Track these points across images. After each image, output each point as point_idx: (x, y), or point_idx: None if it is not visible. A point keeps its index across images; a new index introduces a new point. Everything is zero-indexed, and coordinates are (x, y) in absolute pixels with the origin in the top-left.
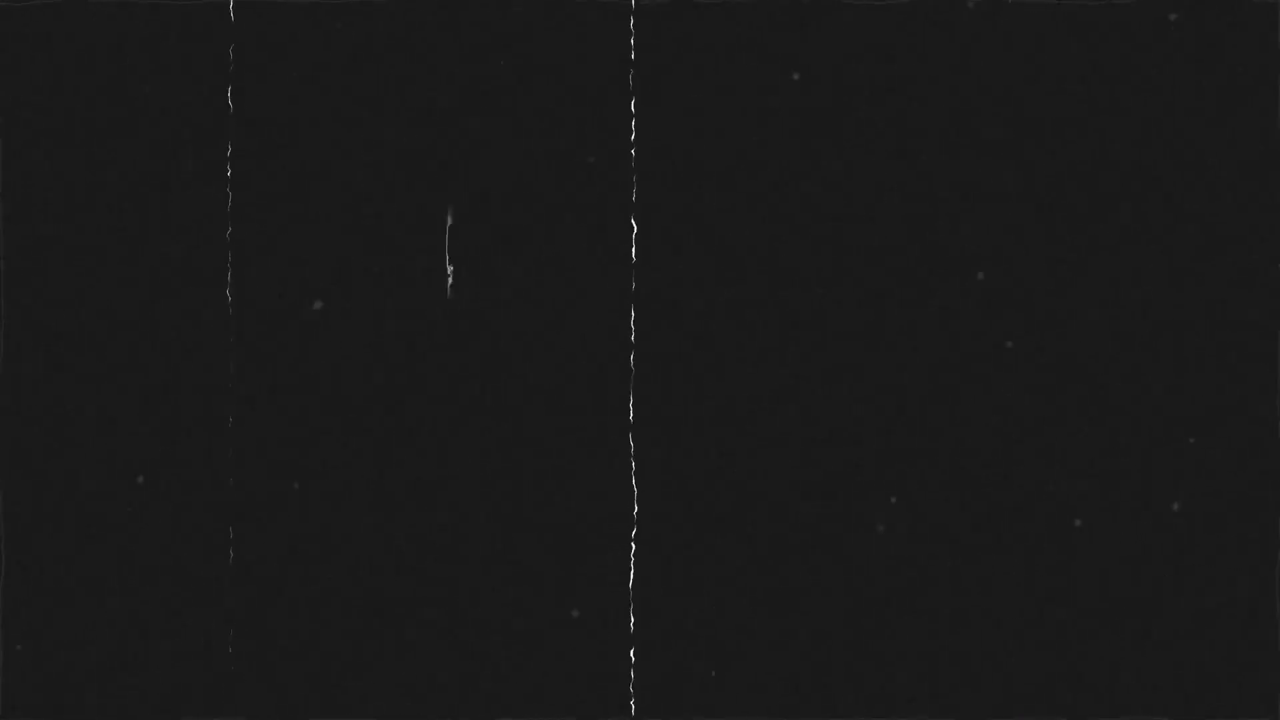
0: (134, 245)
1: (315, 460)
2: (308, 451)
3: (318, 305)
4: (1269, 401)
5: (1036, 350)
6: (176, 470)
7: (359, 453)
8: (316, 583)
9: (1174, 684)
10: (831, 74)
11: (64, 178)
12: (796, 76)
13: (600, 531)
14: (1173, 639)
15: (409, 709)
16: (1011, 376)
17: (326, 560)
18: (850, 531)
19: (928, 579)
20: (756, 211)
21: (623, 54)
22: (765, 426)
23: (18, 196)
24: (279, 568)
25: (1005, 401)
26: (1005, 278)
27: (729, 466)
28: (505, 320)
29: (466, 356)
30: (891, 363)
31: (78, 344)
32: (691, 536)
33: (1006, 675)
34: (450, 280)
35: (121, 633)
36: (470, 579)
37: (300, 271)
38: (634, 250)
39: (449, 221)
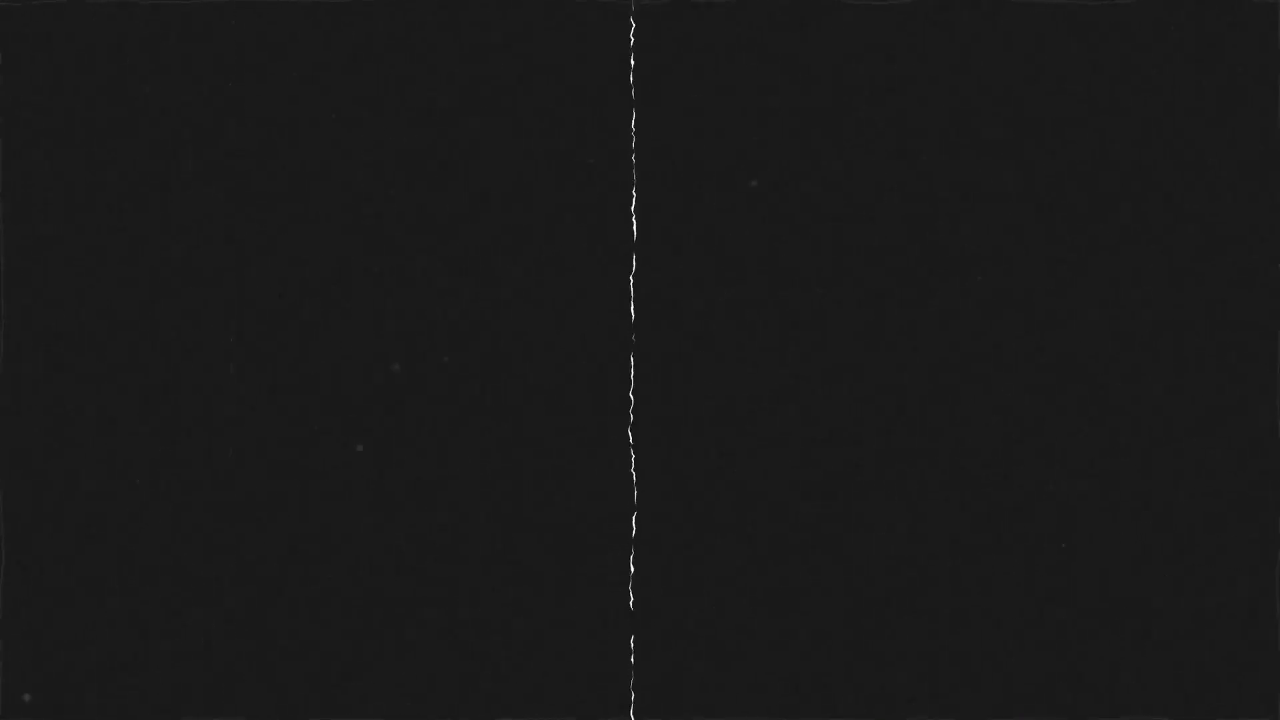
0: (134, 245)
1: (315, 460)
2: (308, 451)
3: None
4: (1269, 401)
5: (1036, 350)
6: (176, 470)
7: (359, 452)
8: (316, 583)
9: (1174, 684)
10: (831, 74)
11: (64, 178)
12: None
13: (600, 531)
14: (1173, 639)
15: (409, 709)
16: (1011, 376)
17: (326, 560)
18: (850, 531)
19: (928, 579)
20: (756, 211)
21: (623, 54)
22: (765, 426)
23: (18, 196)
24: (279, 568)
25: (1005, 401)
26: (1005, 278)
27: (729, 466)
28: (505, 320)
29: (466, 356)
30: (891, 363)
31: (78, 344)
32: (691, 536)
33: (1006, 675)
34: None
35: (121, 633)
36: (470, 579)
37: (300, 271)
38: (634, 250)
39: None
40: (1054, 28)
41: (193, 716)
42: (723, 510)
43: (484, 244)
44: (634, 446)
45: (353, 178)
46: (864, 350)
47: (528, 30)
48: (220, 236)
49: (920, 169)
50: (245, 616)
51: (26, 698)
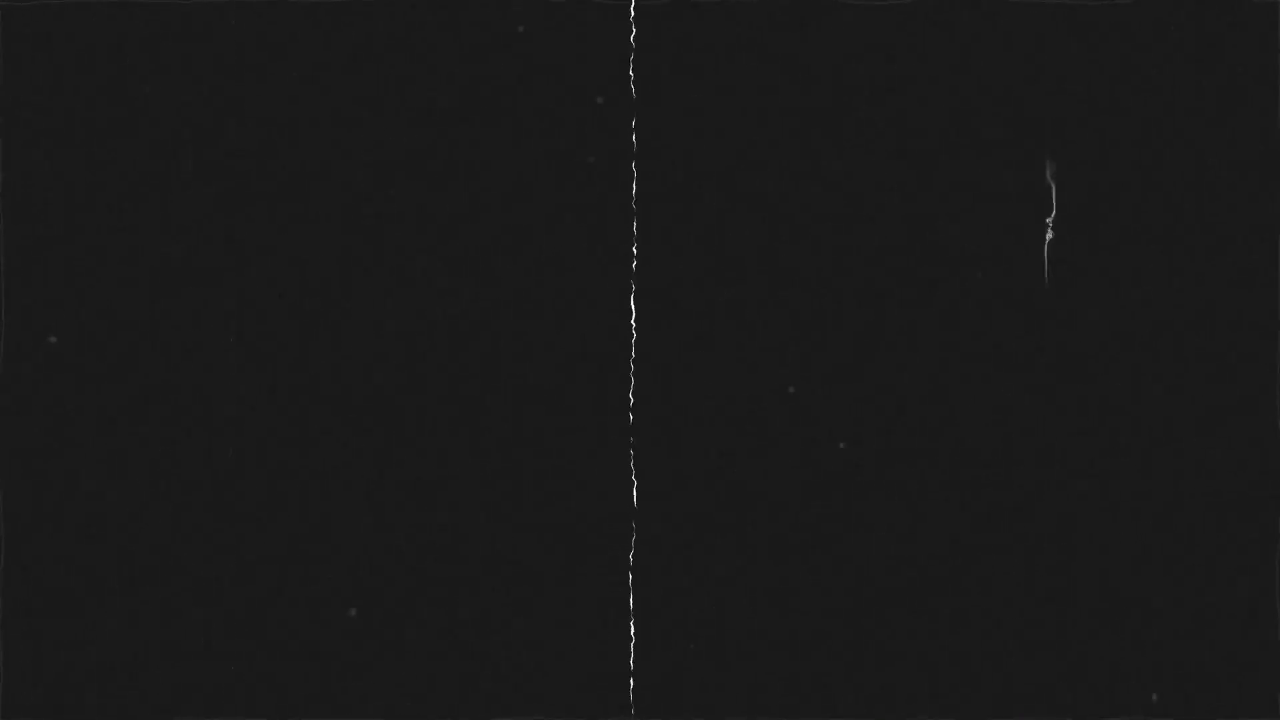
0: (134, 245)
1: (315, 460)
2: (308, 451)
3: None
4: (1269, 401)
5: (1036, 350)
6: (177, 470)
7: (359, 452)
8: (316, 583)
9: (1174, 684)
10: (831, 74)
11: (64, 178)
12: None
13: (600, 531)
14: (1173, 639)
15: (409, 709)
16: (1011, 376)
17: (326, 560)
18: (850, 531)
19: (928, 579)
20: (756, 211)
21: (623, 54)
22: (765, 426)
23: (18, 196)
24: (279, 568)
25: (1005, 401)
26: (1005, 278)
27: (729, 466)
28: (505, 320)
29: (466, 356)
30: (891, 362)
31: (78, 344)
32: (691, 536)
33: (1006, 675)
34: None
35: (121, 633)
36: (470, 579)
37: (300, 271)
38: (634, 250)
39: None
40: (1054, 28)
41: (193, 716)
42: (722, 510)
43: (484, 244)
44: (634, 446)
45: (353, 178)
46: (864, 350)
47: (528, 30)
48: (220, 236)
49: (920, 169)
50: (245, 616)
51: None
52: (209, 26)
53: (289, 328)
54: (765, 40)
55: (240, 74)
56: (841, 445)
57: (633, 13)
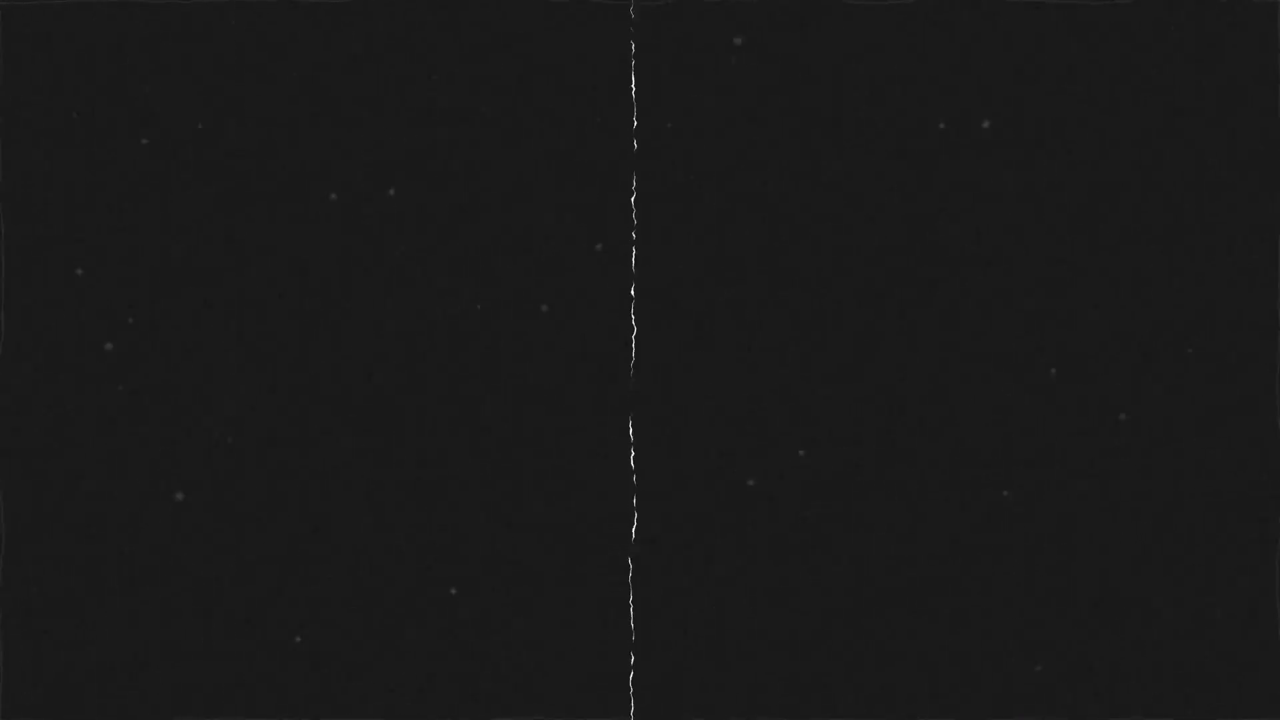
0: (134, 245)
1: (315, 460)
2: (308, 451)
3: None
4: (1269, 401)
5: (1037, 350)
6: (176, 470)
7: (359, 452)
8: (316, 582)
9: (1174, 684)
10: (831, 74)
11: (64, 178)
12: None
13: (600, 531)
14: (1173, 639)
15: (409, 709)
16: (1012, 377)
17: (326, 560)
18: (850, 531)
19: (928, 579)
20: (756, 211)
21: (623, 54)
22: (765, 426)
23: (18, 196)
24: (279, 568)
25: (1005, 401)
26: (1005, 278)
27: (729, 466)
28: (505, 320)
29: (466, 356)
30: (891, 362)
31: (78, 344)
32: (691, 536)
33: (1006, 675)
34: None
35: (121, 633)
36: (470, 579)
37: (300, 271)
38: (634, 250)
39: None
40: (1054, 28)
41: (193, 716)
42: (722, 510)
43: (484, 244)
44: (634, 446)
45: (353, 178)
46: (864, 350)
47: (528, 30)
48: (220, 236)
49: (920, 169)
50: (245, 616)
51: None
52: (209, 26)
53: (289, 328)
54: (765, 40)
55: (240, 74)
56: (841, 446)
57: (633, 13)
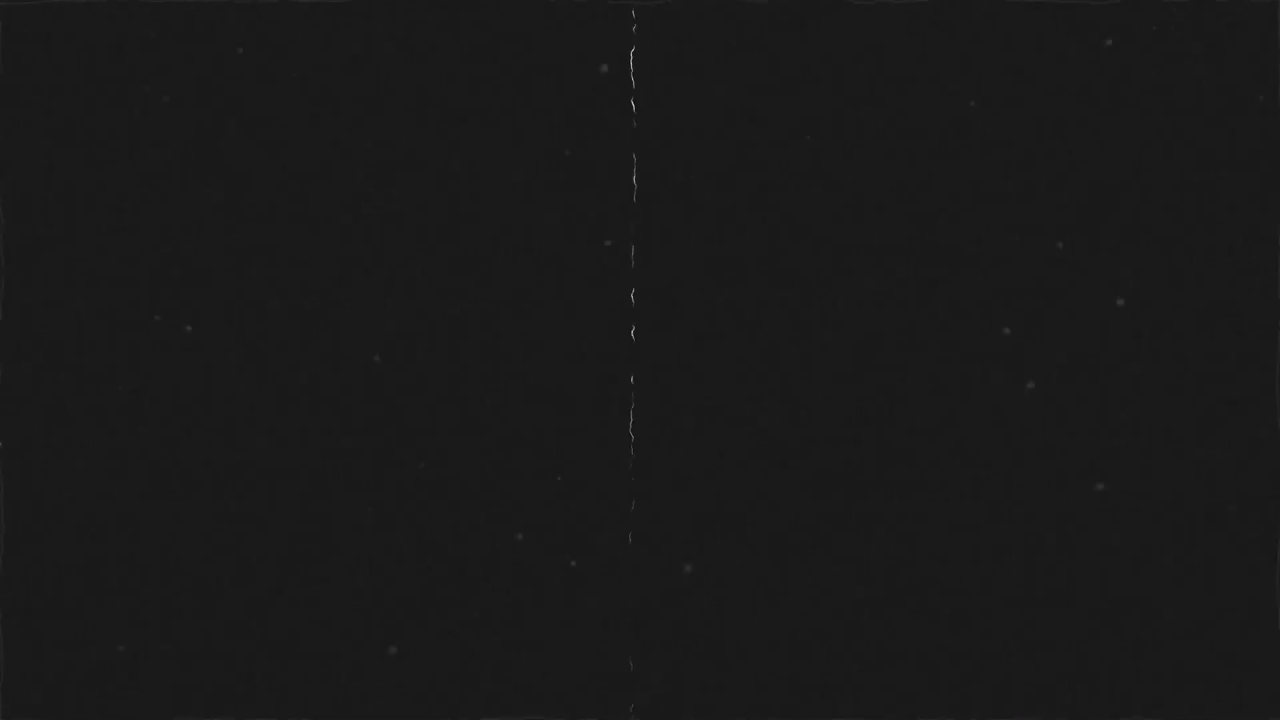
0: (134, 245)
1: (315, 460)
2: (308, 451)
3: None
4: (1269, 401)
5: (1037, 350)
6: (176, 470)
7: (359, 452)
8: (316, 583)
9: (1174, 684)
10: (832, 74)
11: (64, 178)
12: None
13: (600, 531)
14: (1173, 639)
15: (409, 709)
16: (1012, 376)
17: (326, 560)
18: (851, 531)
19: (928, 579)
20: (756, 211)
21: (623, 54)
22: (765, 426)
23: (18, 196)
24: (279, 568)
25: (1005, 401)
26: (1005, 278)
27: (728, 466)
28: (505, 320)
29: (466, 356)
30: (891, 362)
31: (78, 344)
32: (691, 536)
33: (1006, 675)
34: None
35: (121, 633)
36: (470, 579)
37: (300, 271)
38: (634, 250)
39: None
40: (1054, 28)
41: (193, 716)
42: (722, 510)
43: (483, 243)
44: (634, 446)
45: (352, 177)
46: (864, 350)
47: (528, 30)
48: (220, 236)
49: (920, 169)
50: (245, 616)
51: None
52: (209, 26)
53: (289, 327)
54: (765, 40)
55: (240, 74)
56: (841, 446)
57: (633, 13)
